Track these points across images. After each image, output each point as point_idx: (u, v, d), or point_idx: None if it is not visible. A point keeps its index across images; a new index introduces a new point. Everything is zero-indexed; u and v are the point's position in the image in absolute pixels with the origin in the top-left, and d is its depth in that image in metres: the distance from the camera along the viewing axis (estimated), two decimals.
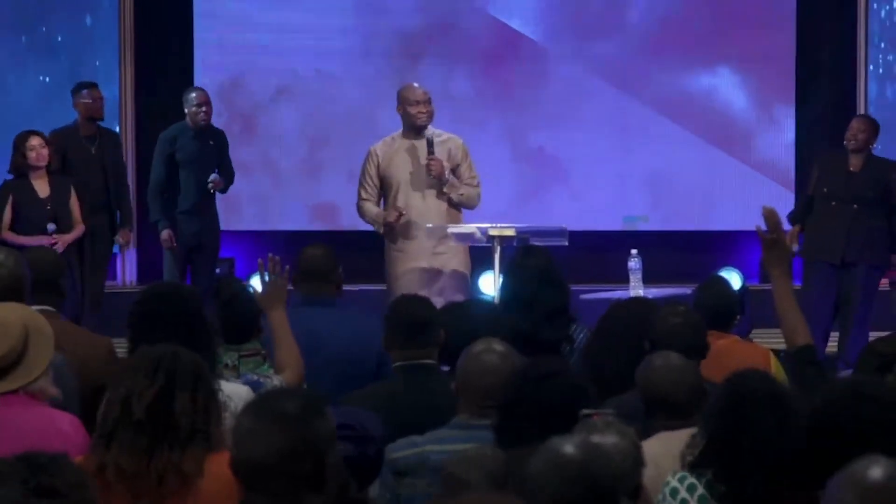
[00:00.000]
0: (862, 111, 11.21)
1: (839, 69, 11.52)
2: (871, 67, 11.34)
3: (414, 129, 8.30)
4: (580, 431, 3.40)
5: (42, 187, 9.08)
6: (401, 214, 8.26)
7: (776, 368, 5.82)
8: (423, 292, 7.64)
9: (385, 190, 8.38)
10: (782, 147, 11.39)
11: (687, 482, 3.71)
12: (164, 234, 9.72)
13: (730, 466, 3.61)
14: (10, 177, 9.22)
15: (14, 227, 9.00)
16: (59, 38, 11.30)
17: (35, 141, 9.04)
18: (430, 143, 8.23)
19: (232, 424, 4.11)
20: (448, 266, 8.31)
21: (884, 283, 10.35)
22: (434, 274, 8.29)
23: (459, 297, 8.06)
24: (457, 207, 8.38)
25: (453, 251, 8.32)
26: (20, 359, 4.01)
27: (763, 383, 3.69)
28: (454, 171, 8.33)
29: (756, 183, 11.39)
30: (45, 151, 9.05)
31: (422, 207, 8.27)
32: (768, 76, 11.48)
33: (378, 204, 8.43)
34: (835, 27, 11.54)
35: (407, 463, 4.20)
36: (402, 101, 8.38)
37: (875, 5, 11.39)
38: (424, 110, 8.28)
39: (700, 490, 3.68)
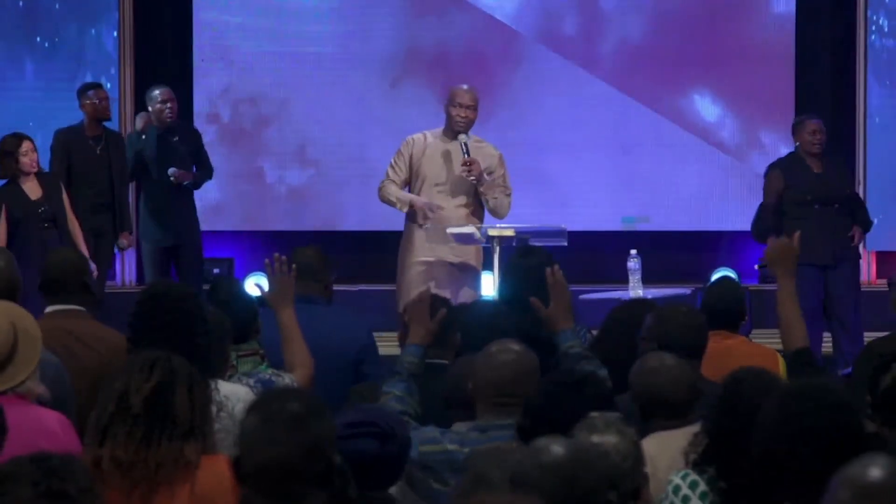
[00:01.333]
0: (861, 113, 11.22)
1: (839, 70, 11.51)
2: (871, 69, 11.33)
3: (452, 131, 8.26)
4: (581, 430, 3.39)
5: (33, 189, 9.04)
6: (427, 217, 8.20)
7: (784, 369, 5.83)
8: (429, 284, 7.69)
9: (411, 182, 8.32)
10: (781, 148, 11.37)
11: (689, 479, 3.73)
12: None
13: (731, 464, 3.62)
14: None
15: (13, 234, 8.97)
16: (59, 39, 11.28)
17: (28, 145, 9.01)
18: (465, 146, 8.16)
19: (230, 424, 4.16)
20: (460, 261, 8.23)
21: (882, 283, 10.43)
22: (442, 268, 8.21)
23: (469, 292, 8.05)
24: (478, 216, 8.32)
25: (468, 250, 8.26)
26: (8, 361, 3.99)
27: (762, 381, 3.70)
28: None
29: (755, 183, 11.37)
30: (36, 156, 9.05)
31: (444, 210, 8.21)
32: (768, 77, 11.47)
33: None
34: (835, 28, 11.53)
35: (434, 460, 4.20)
36: (449, 100, 8.35)
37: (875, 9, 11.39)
38: (463, 115, 8.21)
39: (702, 487, 3.70)
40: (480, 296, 8.16)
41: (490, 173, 8.27)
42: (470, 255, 8.29)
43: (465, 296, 7.87)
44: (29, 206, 8.99)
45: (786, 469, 3.04)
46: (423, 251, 8.24)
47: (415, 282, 8.06)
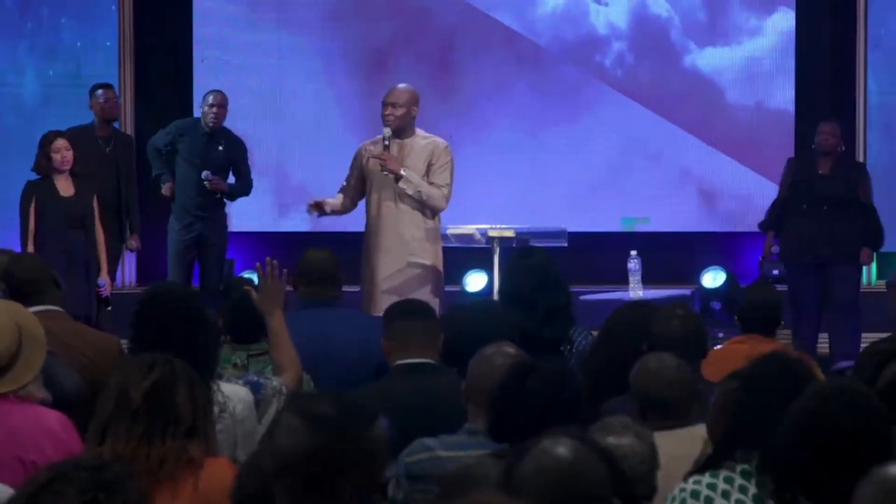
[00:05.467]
0: (861, 113, 11.22)
1: (839, 72, 11.51)
2: (871, 71, 11.33)
3: (393, 131, 8.14)
4: (597, 431, 3.37)
5: (66, 188, 9.01)
6: (317, 209, 8.19)
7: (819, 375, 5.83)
8: (389, 289, 7.69)
9: (366, 185, 8.19)
10: (781, 148, 11.38)
11: (706, 482, 3.71)
12: (166, 187, 9.77)
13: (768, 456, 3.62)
14: (33, 177, 9.15)
15: (39, 229, 8.96)
16: (59, 44, 11.28)
17: (60, 143, 8.96)
18: (385, 141, 8.02)
19: (230, 425, 4.14)
20: (417, 261, 8.11)
21: (882, 284, 10.46)
22: (401, 272, 8.11)
23: (426, 290, 7.95)
24: (429, 213, 8.06)
25: (422, 251, 8.12)
26: (12, 362, 3.99)
27: (787, 364, 3.71)
28: (428, 169, 8.14)
29: (755, 184, 11.38)
30: (70, 154, 8.98)
31: (394, 211, 8.05)
32: (768, 78, 11.47)
33: (356, 201, 8.33)
34: (835, 30, 11.53)
35: (422, 468, 4.12)
36: None
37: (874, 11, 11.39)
38: (388, 112, 8.04)
39: (722, 486, 3.69)
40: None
41: (431, 164, 8.11)
42: (429, 256, 8.15)
43: (423, 296, 7.67)
44: (58, 203, 8.95)
45: (808, 467, 3.04)
46: (382, 258, 8.08)
47: (375, 285, 8.01)
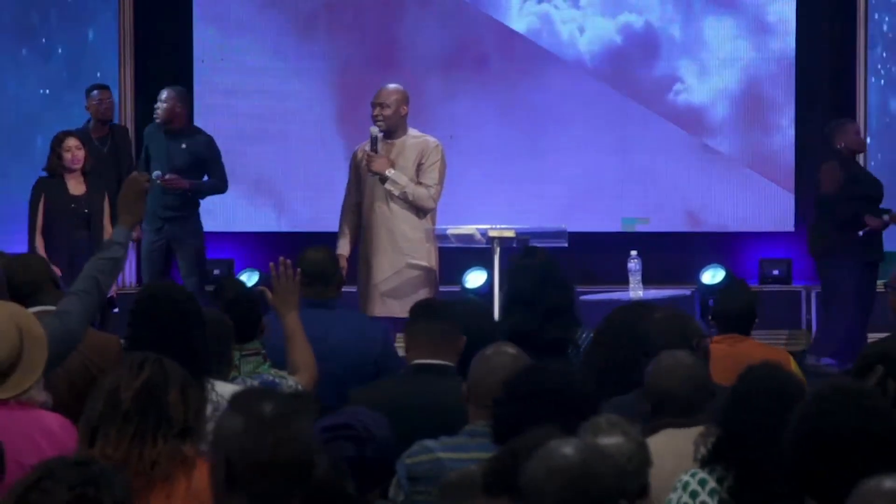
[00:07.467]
0: (861, 113, 11.22)
1: (839, 72, 11.50)
2: (872, 74, 11.33)
3: (384, 132, 8.12)
4: (585, 432, 3.38)
5: (77, 187, 9.05)
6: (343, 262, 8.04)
7: (796, 371, 5.84)
8: (385, 290, 7.68)
9: (362, 189, 8.20)
10: (781, 148, 11.38)
11: (698, 477, 3.76)
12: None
13: (741, 459, 3.64)
14: (44, 174, 9.16)
15: (45, 226, 8.97)
16: (59, 44, 11.27)
17: (71, 142, 9.02)
18: (373, 142, 8.03)
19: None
20: (413, 262, 8.11)
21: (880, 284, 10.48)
22: (398, 273, 8.12)
23: (422, 291, 7.95)
24: (420, 213, 8.09)
25: (417, 251, 8.10)
26: (14, 367, 3.95)
27: (773, 375, 3.72)
28: (418, 168, 8.12)
29: (755, 184, 11.38)
30: (81, 153, 9.03)
31: (386, 212, 8.07)
32: (769, 79, 11.46)
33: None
34: (834, 29, 11.53)
35: (421, 469, 4.11)
36: None
37: (876, 15, 11.37)
38: (376, 112, 8.06)
39: (711, 484, 3.73)
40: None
41: (421, 163, 8.10)
42: (423, 256, 8.15)
43: (419, 297, 7.66)
44: (66, 201, 8.98)
45: (814, 468, 3.05)
46: (378, 260, 8.08)
47: (372, 286, 8.02)
